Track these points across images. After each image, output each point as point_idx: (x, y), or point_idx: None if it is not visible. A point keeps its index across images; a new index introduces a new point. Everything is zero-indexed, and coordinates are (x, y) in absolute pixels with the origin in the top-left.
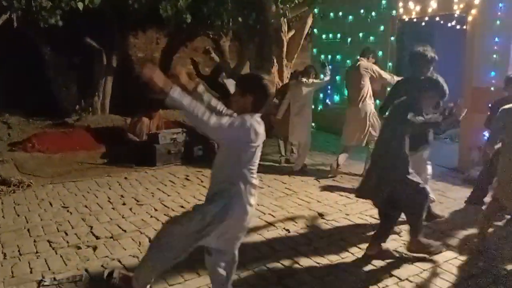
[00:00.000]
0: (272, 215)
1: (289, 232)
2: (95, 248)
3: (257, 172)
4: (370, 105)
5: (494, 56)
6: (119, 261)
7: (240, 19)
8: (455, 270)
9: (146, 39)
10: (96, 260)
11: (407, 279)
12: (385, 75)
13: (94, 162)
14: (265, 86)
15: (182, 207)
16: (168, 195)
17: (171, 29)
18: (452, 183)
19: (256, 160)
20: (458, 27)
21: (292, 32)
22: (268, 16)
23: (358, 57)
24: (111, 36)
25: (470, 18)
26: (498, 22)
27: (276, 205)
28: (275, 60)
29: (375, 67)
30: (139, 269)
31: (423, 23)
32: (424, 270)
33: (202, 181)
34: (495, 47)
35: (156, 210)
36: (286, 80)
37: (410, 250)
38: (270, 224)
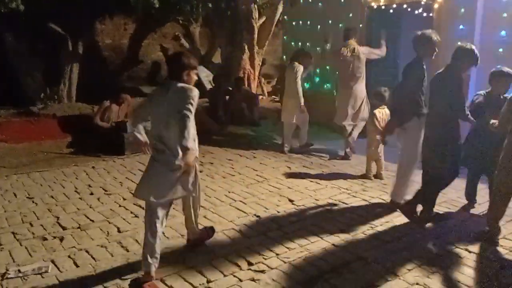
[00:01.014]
0: (243, 202)
1: (260, 218)
2: (61, 239)
3: (229, 159)
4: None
5: (459, 43)
6: (87, 252)
7: (210, 5)
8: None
9: (113, 25)
10: (63, 251)
11: (374, 260)
12: (376, 50)
13: (60, 152)
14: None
15: None
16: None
17: (139, 14)
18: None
19: None
20: (425, 14)
21: (263, 19)
22: (239, 2)
23: (347, 40)
24: (76, 22)
25: (436, 6)
26: (462, 9)
27: (247, 192)
28: (246, 47)
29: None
30: None
31: (391, 10)
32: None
33: None
34: (460, 34)
35: (124, 199)
36: (257, 67)
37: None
38: (241, 211)
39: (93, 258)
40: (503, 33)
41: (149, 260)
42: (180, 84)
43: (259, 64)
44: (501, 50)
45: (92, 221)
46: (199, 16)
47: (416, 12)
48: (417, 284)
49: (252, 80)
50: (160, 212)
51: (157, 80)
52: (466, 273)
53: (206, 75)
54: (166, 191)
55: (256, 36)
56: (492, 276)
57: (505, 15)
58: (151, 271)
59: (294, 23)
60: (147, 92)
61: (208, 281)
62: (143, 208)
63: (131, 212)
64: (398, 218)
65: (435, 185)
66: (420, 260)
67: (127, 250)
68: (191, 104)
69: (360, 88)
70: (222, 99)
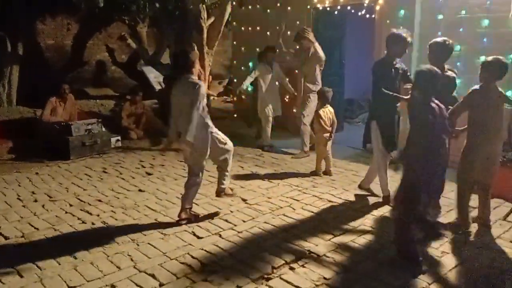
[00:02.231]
0: (195, 204)
1: (213, 218)
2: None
3: (181, 161)
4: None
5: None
6: (31, 261)
7: (157, 4)
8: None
9: (55, 25)
10: (4, 262)
11: (324, 255)
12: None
13: (1, 158)
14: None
15: (99, 201)
16: (84, 189)
17: (83, 14)
18: (364, 163)
19: None
20: (367, 16)
21: (212, 19)
22: (187, 2)
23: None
24: (15, 21)
25: (377, 8)
26: (402, 11)
27: (199, 193)
28: (195, 47)
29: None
30: None
31: (336, 12)
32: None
33: (121, 173)
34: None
35: (71, 205)
36: (208, 68)
37: None
38: (193, 212)
39: (39, 268)
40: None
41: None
42: (187, 77)
43: (209, 65)
44: None
45: (37, 229)
46: (146, 15)
47: (360, 13)
48: (366, 275)
49: (203, 81)
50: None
51: (103, 81)
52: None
53: (155, 76)
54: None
55: (205, 36)
56: (432, 262)
57: (440, 17)
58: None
59: (242, 28)
60: (93, 94)
61: (161, 284)
62: (91, 214)
63: (78, 218)
64: (347, 213)
65: None
66: (368, 251)
67: (75, 258)
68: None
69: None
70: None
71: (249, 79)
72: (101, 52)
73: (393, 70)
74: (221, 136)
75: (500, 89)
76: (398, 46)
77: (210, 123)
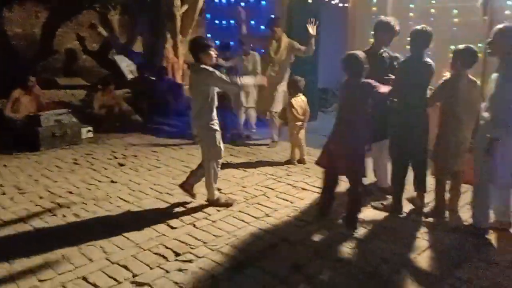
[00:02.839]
0: (169, 194)
1: (187, 209)
2: None
3: (154, 151)
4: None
5: (372, 33)
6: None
7: None
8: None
9: (23, 13)
10: None
11: (298, 242)
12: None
13: None
14: None
15: (71, 192)
16: (55, 181)
17: (52, 1)
18: None
19: None
20: (341, 5)
21: (185, 7)
22: None
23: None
24: None
25: None
26: (374, 0)
27: (173, 183)
28: (169, 36)
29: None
30: None
31: (310, 1)
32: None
33: (92, 164)
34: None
35: (41, 197)
36: (181, 57)
37: None
38: (167, 203)
39: (8, 262)
40: None
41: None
42: (199, 65)
43: (183, 53)
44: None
45: (6, 222)
46: (117, 3)
47: (333, 2)
48: (339, 260)
49: (176, 69)
50: None
51: (74, 70)
52: (381, 247)
53: (127, 65)
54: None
55: (178, 24)
56: (413, 246)
57: (411, 6)
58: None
59: (216, 21)
60: (63, 83)
61: (134, 275)
62: (61, 206)
63: (49, 211)
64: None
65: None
66: (341, 236)
67: (46, 251)
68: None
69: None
70: (145, 89)
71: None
72: (72, 41)
73: (380, 59)
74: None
75: (471, 77)
76: (386, 35)
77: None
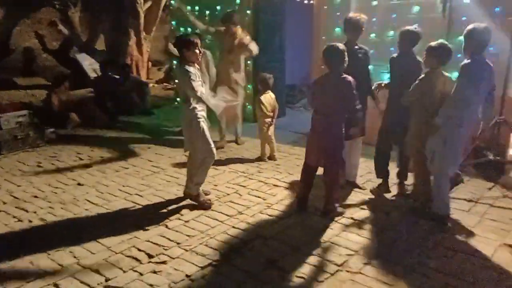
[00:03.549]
0: (139, 195)
1: (158, 209)
2: None
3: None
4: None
5: (337, 29)
6: None
7: None
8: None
9: None
10: None
11: (271, 237)
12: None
13: None
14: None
15: (36, 197)
16: (18, 185)
17: None
18: None
19: None
20: (306, 1)
21: (148, 4)
22: None
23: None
24: None
25: None
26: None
27: (143, 184)
28: (132, 33)
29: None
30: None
31: None
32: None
33: (57, 167)
34: (338, 22)
35: (5, 203)
36: (146, 54)
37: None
38: (138, 204)
39: None
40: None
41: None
42: (183, 64)
43: (147, 51)
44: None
45: None
46: (78, 0)
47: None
48: (312, 255)
49: (141, 67)
50: None
51: (34, 70)
52: (352, 239)
53: (89, 63)
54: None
55: (142, 21)
56: (380, 239)
57: (374, 3)
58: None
59: (182, 28)
60: (22, 84)
61: (107, 279)
62: (27, 211)
63: (14, 217)
64: (292, 196)
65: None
66: (313, 231)
67: (13, 258)
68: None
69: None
70: (109, 88)
71: None
72: (30, 39)
73: (357, 55)
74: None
75: (445, 73)
76: (357, 32)
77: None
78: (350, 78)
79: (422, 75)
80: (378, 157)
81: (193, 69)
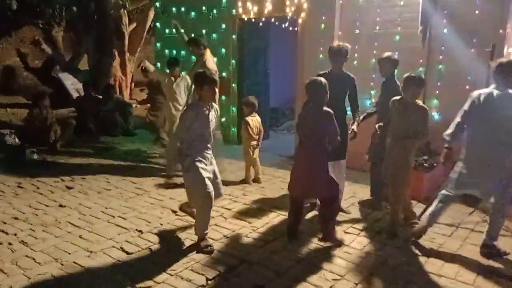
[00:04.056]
0: (122, 218)
1: (142, 233)
2: None
3: (104, 173)
4: None
5: (321, 56)
6: None
7: (74, 8)
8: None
9: None
10: None
11: (257, 262)
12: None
13: None
14: None
15: (16, 218)
16: None
17: None
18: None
19: None
20: (290, 28)
21: (133, 25)
22: (107, 7)
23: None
24: None
25: (300, 21)
26: (322, 26)
27: (126, 206)
28: (116, 54)
29: None
30: None
31: (261, 23)
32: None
33: (38, 188)
34: (321, 48)
35: None
36: (129, 75)
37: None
38: (121, 227)
39: None
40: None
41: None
42: (193, 102)
43: (131, 71)
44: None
45: None
46: (62, 19)
47: (283, 26)
48: (298, 280)
49: (124, 88)
50: None
51: (14, 88)
52: (338, 264)
53: (72, 83)
54: None
55: (126, 42)
56: (365, 264)
57: (357, 31)
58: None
59: (167, 30)
60: (2, 102)
61: None
62: (7, 233)
63: None
64: (276, 219)
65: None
66: (300, 255)
67: None
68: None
69: None
70: (92, 108)
71: None
72: (11, 57)
73: (342, 81)
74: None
75: (418, 101)
76: (343, 59)
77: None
78: (331, 112)
79: (394, 99)
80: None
81: (192, 111)
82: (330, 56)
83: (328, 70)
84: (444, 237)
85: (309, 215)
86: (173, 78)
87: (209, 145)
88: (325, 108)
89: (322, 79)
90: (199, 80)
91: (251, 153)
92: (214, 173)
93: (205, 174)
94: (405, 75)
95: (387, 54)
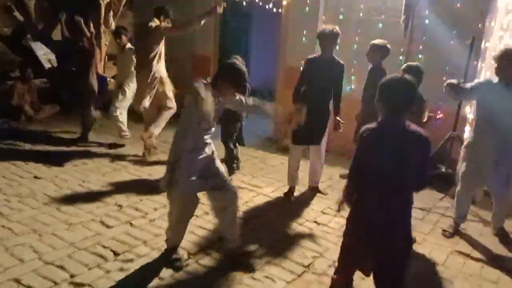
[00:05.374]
0: (100, 192)
1: (121, 207)
2: None
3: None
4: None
5: (303, 39)
6: None
7: None
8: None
9: None
10: None
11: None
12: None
13: None
14: None
15: None
16: None
17: None
18: (269, 151)
19: None
20: (274, 10)
21: None
22: None
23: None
24: None
25: (285, 3)
26: (307, 8)
27: (104, 180)
28: (91, 25)
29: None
30: None
31: (244, 3)
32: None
33: (12, 159)
34: (304, 31)
35: None
36: (104, 47)
37: None
38: (99, 200)
39: None
40: None
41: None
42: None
43: (105, 44)
44: None
45: None
46: None
47: (267, 7)
48: (278, 257)
49: (99, 61)
50: None
51: None
52: (317, 242)
53: (44, 53)
54: None
55: (102, 13)
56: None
57: (341, 17)
58: None
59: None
60: None
61: (72, 276)
62: None
63: None
64: (256, 198)
65: None
66: (277, 233)
67: None
68: None
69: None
70: (66, 80)
71: None
72: None
73: (335, 66)
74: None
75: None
76: (335, 43)
77: None
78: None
79: None
80: None
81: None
82: (322, 39)
83: (318, 54)
84: (417, 221)
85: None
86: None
87: None
88: (412, 125)
89: (411, 78)
90: (231, 76)
91: None
92: None
93: None
94: (404, 65)
95: (382, 41)
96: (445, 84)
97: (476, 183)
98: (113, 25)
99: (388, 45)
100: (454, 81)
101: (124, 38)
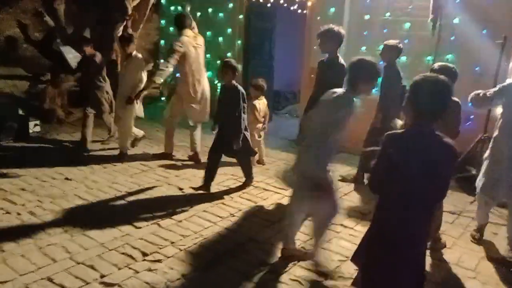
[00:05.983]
0: (129, 193)
1: (148, 208)
2: None
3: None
4: None
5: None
6: None
7: None
8: None
9: None
10: None
11: (264, 241)
12: None
13: None
14: None
15: (23, 189)
16: (3, 177)
17: None
18: (294, 153)
19: None
20: (299, 11)
21: (137, 1)
22: None
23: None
24: None
25: (309, 4)
26: (332, 9)
27: (132, 182)
28: (121, 29)
29: None
30: None
31: (269, 5)
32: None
33: (43, 160)
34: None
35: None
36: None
37: None
38: (128, 201)
39: None
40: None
41: None
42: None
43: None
44: (364, 48)
45: None
46: None
47: (292, 8)
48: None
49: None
50: None
51: (14, 59)
52: (343, 246)
53: (74, 56)
54: None
55: (130, 18)
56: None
57: (366, 17)
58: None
59: (172, 8)
60: (2, 73)
61: (102, 276)
62: (15, 204)
63: (1, 208)
64: (281, 200)
65: None
66: (306, 236)
67: (3, 250)
68: None
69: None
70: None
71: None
72: (12, 28)
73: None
74: None
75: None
76: (338, 44)
77: None
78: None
79: None
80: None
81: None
82: (333, 40)
83: (327, 57)
84: (447, 224)
85: None
86: None
87: None
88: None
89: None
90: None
91: (256, 136)
92: None
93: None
94: (435, 64)
95: (393, 42)
96: (469, 98)
97: (495, 196)
98: (140, 29)
99: (400, 45)
100: (479, 92)
101: (132, 45)
